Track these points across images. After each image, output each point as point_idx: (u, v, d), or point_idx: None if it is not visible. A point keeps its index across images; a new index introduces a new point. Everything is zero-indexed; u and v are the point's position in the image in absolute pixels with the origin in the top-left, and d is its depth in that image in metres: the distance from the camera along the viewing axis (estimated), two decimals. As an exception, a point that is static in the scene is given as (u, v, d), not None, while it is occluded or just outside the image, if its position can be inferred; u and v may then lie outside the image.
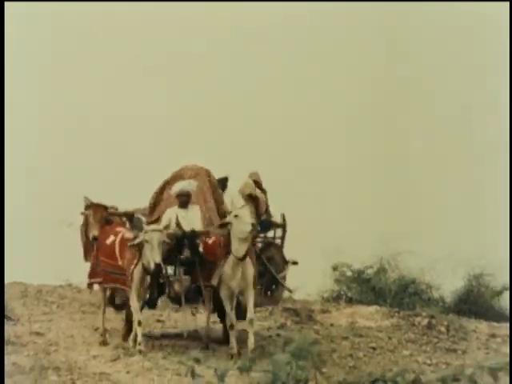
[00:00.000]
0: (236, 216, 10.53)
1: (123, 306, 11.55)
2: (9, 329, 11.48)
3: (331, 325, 13.49)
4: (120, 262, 10.97)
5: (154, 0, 18.23)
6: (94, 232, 12.51)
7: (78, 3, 18.06)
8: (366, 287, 15.83)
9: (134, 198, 12.75)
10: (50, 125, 18.21)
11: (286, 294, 14.32)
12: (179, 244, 10.87)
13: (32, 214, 16.24)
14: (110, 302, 11.70)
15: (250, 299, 10.70)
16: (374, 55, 19.04)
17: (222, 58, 18.92)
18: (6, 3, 12.14)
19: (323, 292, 16.21)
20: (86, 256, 13.13)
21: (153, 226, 10.74)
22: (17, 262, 13.49)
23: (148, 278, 10.64)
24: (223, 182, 11.74)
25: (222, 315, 11.32)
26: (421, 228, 16.70)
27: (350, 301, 15.60)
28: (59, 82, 18.42)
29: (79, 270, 13.33)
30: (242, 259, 10.64)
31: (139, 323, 10.66)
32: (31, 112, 18.42)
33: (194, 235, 10.88)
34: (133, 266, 10.67)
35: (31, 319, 12.28)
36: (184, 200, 11.10)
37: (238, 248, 10.59)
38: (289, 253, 12.07)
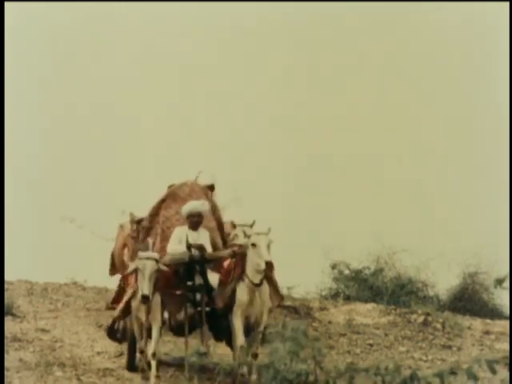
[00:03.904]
0: (253, 245, 9.46)
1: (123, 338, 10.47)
2: (15, 326, 11.57)
3: (329, 322, 13.59)
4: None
5: (154, 0, 18.33)
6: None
7: (78, 3, 18.15)
8: (363, 285, 15.87)
9: (133, 197, 12.87)
10: (51, 124, 18.31)
11: (285, 292, 14.51)
12: (189, 269, 9.88)
13: (37, 213, 16.35)
14: (110, 334, 10.40)
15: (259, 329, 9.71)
16: (373, 55, 19.13)
17: (220, 59, 19.03)
18: (6, 3, 12.20)
19: (321, 290, 16.26)
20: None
21: (147, 254, 9.54)
22: (23, 261, 13.62)
23: (143, 307, 9.44)
24: (210, 189, 10.77)
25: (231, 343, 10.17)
26: (416, 227, 16.78)
27: (347, 298, 15.59)
28: (59, 81, 18.51)
29: (83, 269, 13.52)
30: (259, 285, 9.63)
31: (140, 351, 9.74)
32: (31, 111, 18.50)
33: (204, 260, 9.91)
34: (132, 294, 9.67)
35: (37, 316, 12.25)
36: (195, 221, 10.05)
37: (254, 275, 9.56)
38: (288, 252, 12.02)
